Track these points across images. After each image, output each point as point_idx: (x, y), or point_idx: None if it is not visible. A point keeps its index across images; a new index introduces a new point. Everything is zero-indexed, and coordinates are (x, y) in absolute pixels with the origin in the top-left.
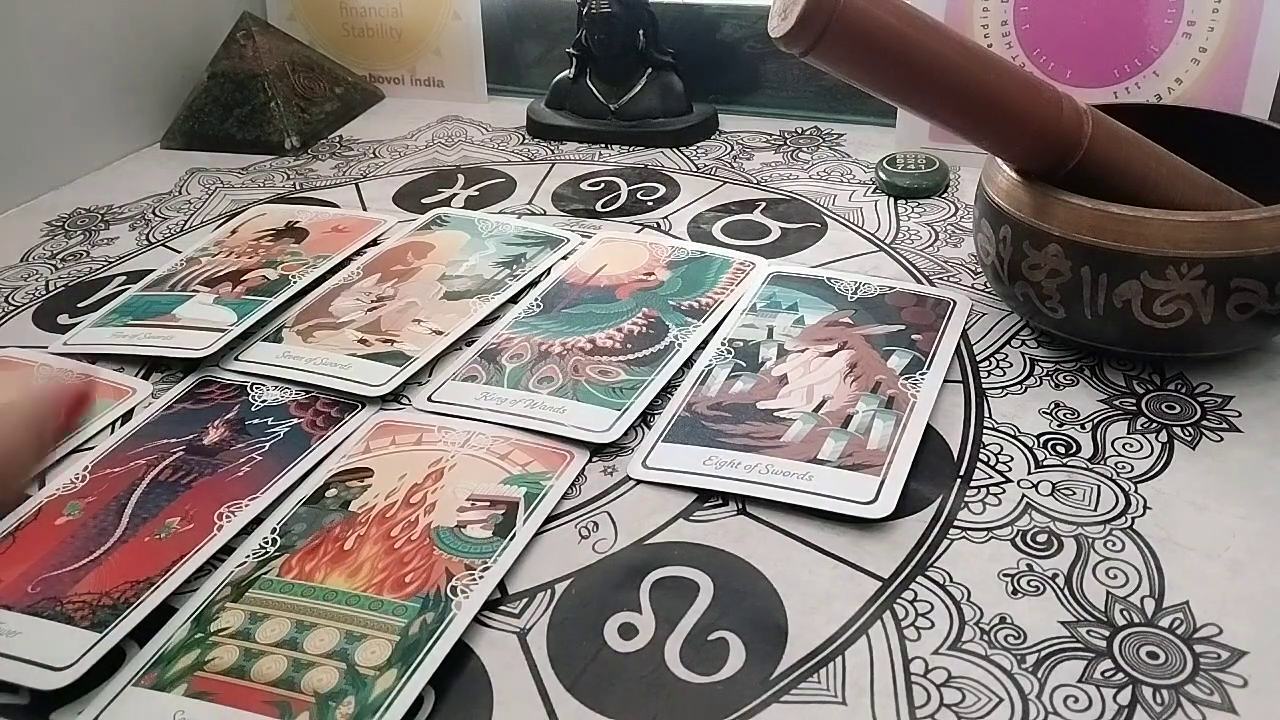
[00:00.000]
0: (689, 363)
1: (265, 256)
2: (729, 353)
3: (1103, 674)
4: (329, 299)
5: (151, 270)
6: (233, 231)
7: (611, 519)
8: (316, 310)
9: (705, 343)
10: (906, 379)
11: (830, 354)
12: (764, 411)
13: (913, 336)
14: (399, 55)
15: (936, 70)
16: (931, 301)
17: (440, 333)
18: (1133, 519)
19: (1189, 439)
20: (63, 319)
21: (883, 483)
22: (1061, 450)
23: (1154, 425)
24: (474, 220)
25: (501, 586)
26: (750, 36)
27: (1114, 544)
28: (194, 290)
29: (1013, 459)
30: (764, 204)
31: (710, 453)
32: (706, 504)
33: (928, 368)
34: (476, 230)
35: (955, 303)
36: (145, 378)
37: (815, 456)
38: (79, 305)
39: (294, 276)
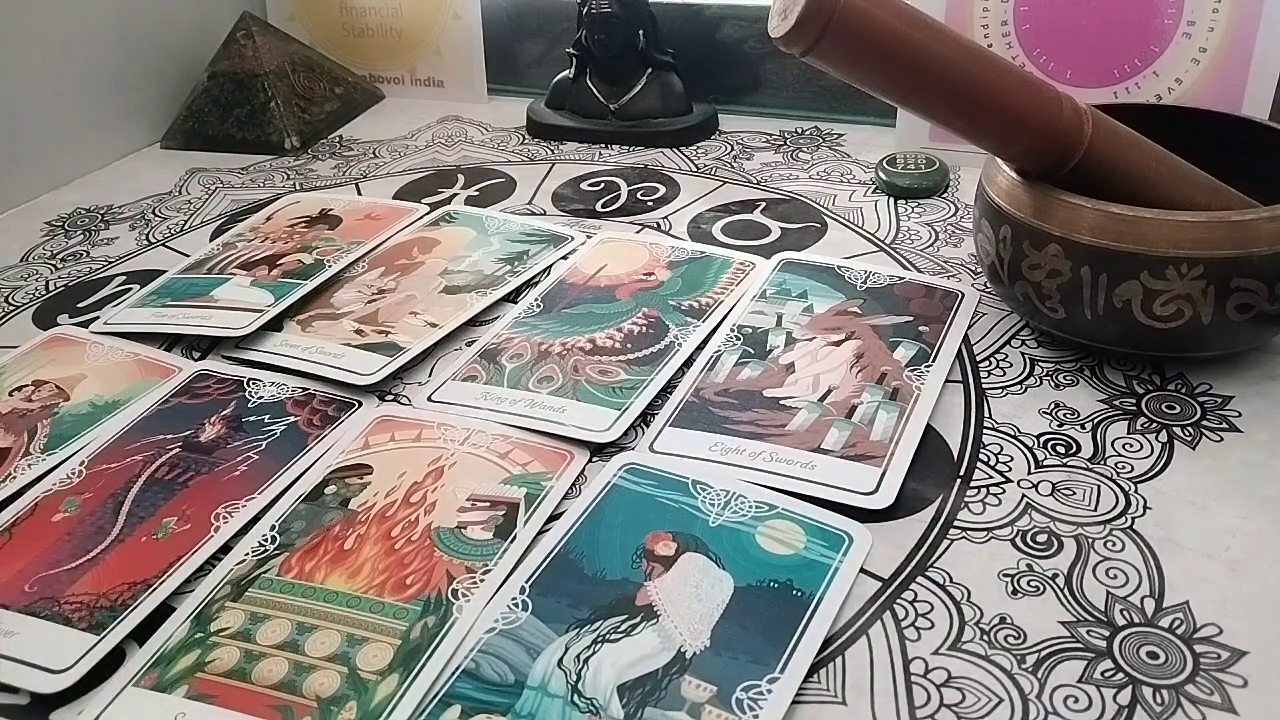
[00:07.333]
0: (689, 362)
1: (300, 242)
2: (738, 339)
3: (1103, 674)
4: (332, 290)
5: (151, 270)
6: (267, 218)
7: None
8: (319, 301)
9: (705, 343)
10: (912, 371)
11: (838, 343)
12: (770, 399)
13: (920, 328)
14: (399, 55)
15: (936, 70)
16: (940, 293)
17: (435, 325)
18: (1133, 519)
19: (1189, 439)
20: (63, 319)
21: (884, 474)
22: (1061, 450)
23: (1154, 425)
24: (482, 218)
25: None
26: (750, 36)
27: (1114, 544)
28: (231, 273)
29: (1013, 459)
30: (764, 204)
31: (716, 439)
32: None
33: (933, 360)
34: (484, 227)
35: (964, 295)
36: (200, 358)
37: (819, 446)
38: (79, 305)
39: (329, 261)
